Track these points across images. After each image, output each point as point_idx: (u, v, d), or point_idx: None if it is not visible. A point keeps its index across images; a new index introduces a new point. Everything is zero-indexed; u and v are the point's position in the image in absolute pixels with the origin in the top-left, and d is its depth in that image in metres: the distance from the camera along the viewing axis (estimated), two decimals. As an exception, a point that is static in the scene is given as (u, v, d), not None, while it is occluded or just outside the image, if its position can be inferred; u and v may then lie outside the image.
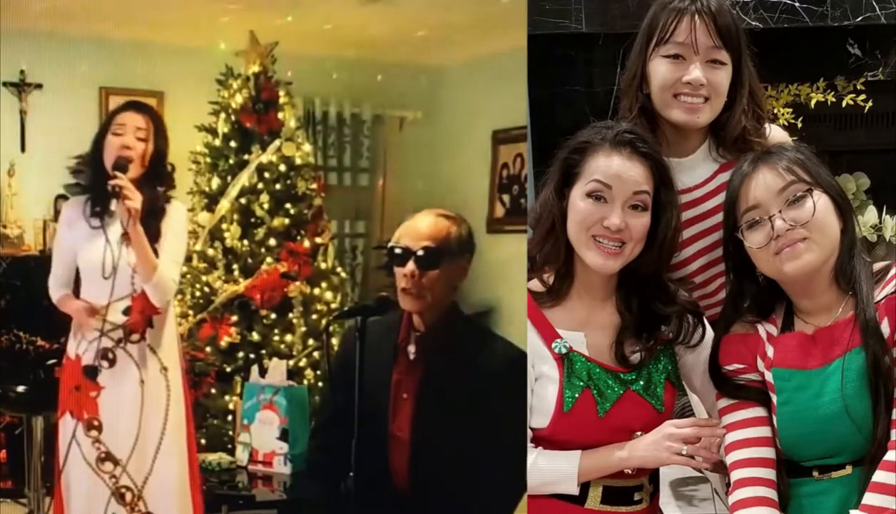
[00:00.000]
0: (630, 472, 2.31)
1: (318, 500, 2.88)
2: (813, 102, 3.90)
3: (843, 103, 3.88)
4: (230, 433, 4.23)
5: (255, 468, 3.95)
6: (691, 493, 2.94)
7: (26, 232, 5.12)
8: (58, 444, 3.32)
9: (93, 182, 3.44)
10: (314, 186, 4.83)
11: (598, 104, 2.92)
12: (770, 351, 2.22)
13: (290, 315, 4.54)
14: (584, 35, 3.67)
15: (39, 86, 5.26)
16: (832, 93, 3.90)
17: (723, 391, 2.28)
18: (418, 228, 2.68)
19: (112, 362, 3.25)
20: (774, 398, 2.21)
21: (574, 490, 2.28)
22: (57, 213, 5.42)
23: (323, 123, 5.87)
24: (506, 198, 6.04)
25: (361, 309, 2.61)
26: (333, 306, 4.65)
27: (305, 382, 4.37)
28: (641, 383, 2.29)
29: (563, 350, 2.28)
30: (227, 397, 4.36)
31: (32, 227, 5.12)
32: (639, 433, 2.29)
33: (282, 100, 4.78)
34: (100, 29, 5.16)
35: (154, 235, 3.27)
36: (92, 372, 3.23)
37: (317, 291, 4.62)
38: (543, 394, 2.29)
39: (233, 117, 4.70)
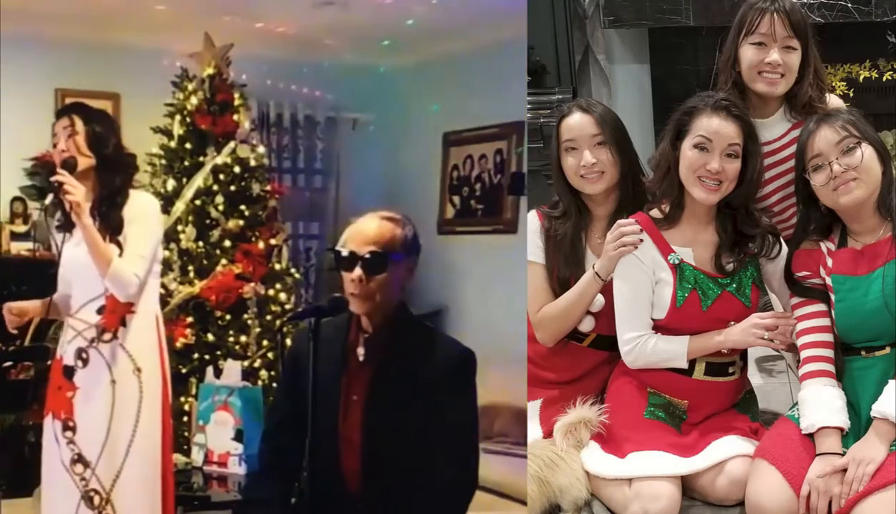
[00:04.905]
0: (725, 352, 2.93)
1: (273, 500, 2.85)
2: (861, 78, 4.81)
3: (884, 78, 4.81)
4: (185, 434, 4.16)
5: (211, 469, 3.91)
6: (771, 367, 3.69)
7: (-18, 235, 5.10)
8: (41, 445, 3.25)
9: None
10: (268, 187, 4.79)
11: (702, 79, 3.89)
12: (829, 262, 2.80)
13: (245, 316, 4.52)
14: (692, 27, 4.59)
15: (-7, 88, 5.29)
16: (875, 71, 4.82)
17: (794, 292, 2.86)
18: (363, 232, 2.64)
19: (85, 362, 3.14)
20: (833, 297, 2.78)
21: (684, 365, 2.91)
22: (13, 214, 5.42)
23: (277, 125, 5.89)
24: (456, 199, 6.07)
25: (315, 310, 2.54)
26: (288, 306, 4.64)
27: (260, 382, 4.34)
28: (734, 285, 2.92)
29: (676, 261, 2.89)
30: (182, 399, 4.31)
31: (-12, 229, 5.12)
32: (732, 323, 2.89)
33: (236, 102, 4.73)
34: (55, 31, 5.14)
35: (116, 227, 3.11)
36: (69, 372, 3.14)
37: (271, 292, 4.60)
38: (661, 294, 2.90)
39: (188, 119, 4.66)
